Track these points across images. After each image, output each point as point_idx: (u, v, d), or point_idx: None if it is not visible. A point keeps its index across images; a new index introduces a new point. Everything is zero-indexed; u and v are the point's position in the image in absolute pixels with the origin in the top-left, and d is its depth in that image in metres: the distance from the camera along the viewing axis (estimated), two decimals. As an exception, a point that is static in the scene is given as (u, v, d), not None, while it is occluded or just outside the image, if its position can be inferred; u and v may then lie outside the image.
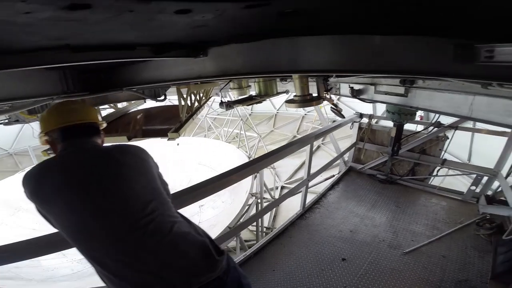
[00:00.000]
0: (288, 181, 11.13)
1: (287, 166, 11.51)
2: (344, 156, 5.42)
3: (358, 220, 4.01)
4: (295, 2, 0.89)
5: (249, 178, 6.40)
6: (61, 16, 0.73)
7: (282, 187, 10.52)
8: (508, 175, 4.03)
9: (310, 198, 4.52)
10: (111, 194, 1.10)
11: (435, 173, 4.80)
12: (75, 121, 1.25)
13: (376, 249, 3.47)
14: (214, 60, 1.63)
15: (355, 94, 3.49)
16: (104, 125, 1.48)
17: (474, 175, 4.35)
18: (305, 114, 14.43)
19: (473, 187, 4.34)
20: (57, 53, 1.29)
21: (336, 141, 5.57)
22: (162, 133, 3.09)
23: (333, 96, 3.33)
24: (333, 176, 5.18)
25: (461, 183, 5.30)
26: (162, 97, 2.82)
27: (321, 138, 11.58)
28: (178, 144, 9.75)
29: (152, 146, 9.54)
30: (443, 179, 5.49)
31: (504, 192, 3.75)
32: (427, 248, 3.49)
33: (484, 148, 4.79)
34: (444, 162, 4.54)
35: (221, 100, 3.47)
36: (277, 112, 15.77)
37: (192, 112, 3.24)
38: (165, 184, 1.37)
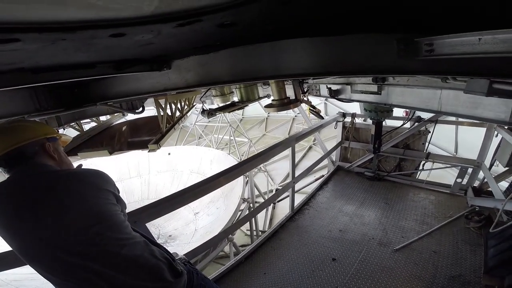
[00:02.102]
0: (281, 183, 11.16)
1: (280, 168, 11.57)
2: (332, 156, 5.46)
3: (348, 219, 4.02)
4: (228, 15, 0.93)
5: (241, 183, 6.43)
6: (-4, 48, 0.77)
7: (276, 190, 10.50)
8: (491, 165, 4.04)
9: (300, 199, 4.55)
10: (48, 221, 1.10)
11: (420, 167, 4.84)
12: (5, 148, 1.19)
13: (366, 247, 3.46)
14: (177, 72, 1.67)
15: (333, 94, 3.55)
16: (65, 137, 1.45)
17: (459, 167, 4.34)
18: (296, 116, 14.50)
19: (459, 179, 4.33)
20: (17, 76, 1.32)
21: (322, 142, 5.62)
22: (146, 145, 3.11)
23: (310, 98, 3.38)
24: (323, 176, 5.21)
25: (451, 175, 5.34)
26: (140, 109, 2.85)
27: (313, 139, 11.66)
28: (169, 154, 9.80)
29: (143, 156, 9.62)
30: (429, 172, 5.53)
31: (489, 183, 3.76)
32: (417, 244, 3.47)
33: (470, 139, 4.83)
34: (428, 156, 4.59)
35: (203, 108, 3.51)
36: (268, 116, 15.83)
37: (174, 122, 3.27)
38: (123, 206, 1.36)
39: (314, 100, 6.26)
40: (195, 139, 15.44)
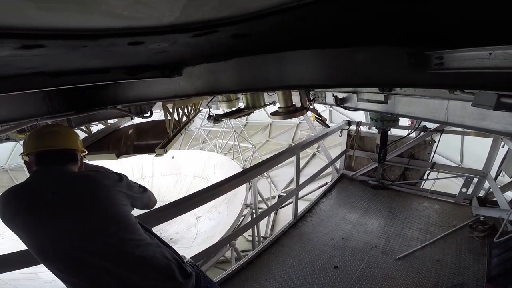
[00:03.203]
0: (284, 190, 11.12)
1: (283, 175, 11.54)
2: (336, 164, 5.45)
3: (351, 227, 4.00)
4: (243, 28, 0.96)
5: (244, 189, 6.43)
6: (21, 54, 0.80)
7: (279, 196, 10.50)
8: (497, 176, 4.02)
9: (303, 206, 4.55)
10: (65, 221, 1.14)
11: (425, 177, 4.81)
12: (47, 147, 1.28)
13: (368, 255, 3.44)
14: (188, 79, 1.71)
15: (339, 102, 3.57)
16: (85, 152, 1.51)
17: (465, 177, 4.34)
18: (300, 122, 14.50)
19: (464, 189, 4.33)
20: (34, 79, 1.36)
21: (327, 150, 5.62)
22: (152, 149, 3.14)
23: (318, 106, 3.41)
24: (326, 184, 5.20)
25: (456, 185, 5.30)
26: (148, 114, 2.89)
27: (317, 146, 11.65)
28: (173, 158, 9.83)
29: (147, 159, 9.67)
30: (434, 182, 5.50)
31: (494, 193, 3.74)
32: (420, 253, 3.45)
33: (476, 148, 4.81)
34: (433, 166, 4.57)
35: (209, 114, 3.55)
36: (272, 122, 15.86)
37: (180, 126, 3.30)
38: (139, 199, 1.41)
39: (319, 107, 6.27)
40: (199, 143, 15.48)
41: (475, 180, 4.28)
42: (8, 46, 0.71)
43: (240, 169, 8.74)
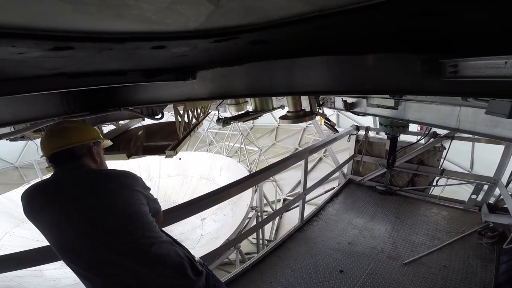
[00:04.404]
0: (290, 193, 11.07)
1: (289, 178, 11.50)
2: (343, 169, 5.43)
3: (357, 232, 3.99)
4: (263, 35, 0.98)
5: (250, 191, 6.44)
6: (50, 55, 0.84)
7: (284, 200, 10.48)
8: (508, 183, 3.95)
9: (310, 210, 4.54)
10: (88, 218, 1.18)
11: (434, 183, 4.77)
12: (57, 148, 1.30)
13: (374, 260, 3.43)
14: (202, 83, 1.74)
15: (349, 107, 3.57)
16: (106, 142, 1.55)
17: (475, 184, 4.31)
18: (306, 127, 14.46)
19: (474, 196, 4.31)
20: (55, 80, 1.41)
21: (334, 154, 5.60)
22: (161, 150, 3.18)
23: (325, 110, 3.41)
24: (333, 188, 5.18)
25: (465, 191, 5.23)
26: (159, 115, 2.93)
27: (323, 150, 11.60)
28: (180, 159, 9.89)
29: (155, 160, 9.76)
30: (443, 188, 5.45)
31: (505, 200, 3.70)
32: (427, 259, 3.44)
33: (486, 155, 4.76)
34: (443, 172, 4.53)
35: (218, 117, 3.59)
36: (278, 125, 15.86)
37: (190, 129, 3.34)
38: (153, 202, 1.43)
39: (327, 111, 6.25)
40: (206, 145, 15.57)
41: (485, 187, 4.24)
42: (41, 47, 0.74)
43: (246, 172, 8.76)
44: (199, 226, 8.22)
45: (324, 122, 3.64)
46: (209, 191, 2.53)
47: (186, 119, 3.20)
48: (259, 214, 6.38)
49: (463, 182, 4.65)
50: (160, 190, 9.71)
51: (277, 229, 8.89)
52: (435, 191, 5.01)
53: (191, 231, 8.16)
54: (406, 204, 4.68)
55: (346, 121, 10.66)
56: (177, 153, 2.87)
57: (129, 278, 1.17)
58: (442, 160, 4.58)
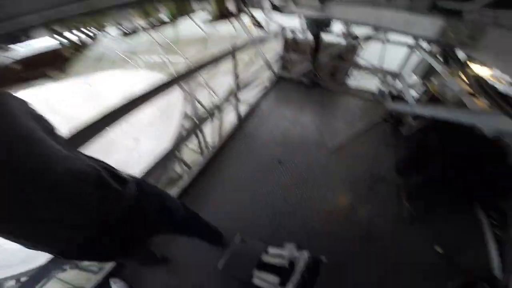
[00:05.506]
0: (224, 97, 10.95)
1: (222, 84, 11.20)
2: (273, 67, 5.59)
3: (289, 123, 4.32)
4: None
5: (182, 101, 6.11)
6: None
7: (220, 105, 10.26)
8: (407, 77, 4.72)
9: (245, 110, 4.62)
10: None
11: (352, 76, 5.46)
12: None
13: (307, 149, 3.80)
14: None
15: (275, 7, 3.32)
16: None
17: (382, 77, 5.06)
18: (236, 34, 13.34)
19: (381, 87, 5.09)
20: None
21: (264, 54, 5.55)
22: (46, 75, 2.51)
23: (252, 10, 3.10)
24: (266, 87, 5.32)
25: (374, 85, 6.04)
26: (24, 41, 2.15)
27: (254, 54, 11.28)
28: (89, 84, 8.36)
29: (54, 91, 7.99)
30: (358, 81, 6.21)
31: (404, 91, 4.32)
32: (347, 144, 3.93)
33: (394, 56, 5.45)
34: (358, 66, 5.11)
35: (123, 31, 2.89)
36: (206, 35, 14.18)
37: (80, 47, 2.64)
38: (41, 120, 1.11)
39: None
40: (120, 65, 13.21)
41: (391, 79, 4.98)
42: None
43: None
44: (134, 148, 7.83)
45: (252, 23, 3.37)
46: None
47: (73, 37, 2.46)
48: (197, 121, 6.25)
49: (375, 75, 5.33)
50: (73, 124, 8.39)
51: (220, 134, 9.01)
52: (352, 84, 5.73)
53: (127, 155, 7.75)
54: (328, 96, 5.19)
55: (275, 26, 10.15)
56: (65, 73, 2.29)
57: (42, 206, 0.97)
58: (359, 57, 5.09)
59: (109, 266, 2.44)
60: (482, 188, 2.75)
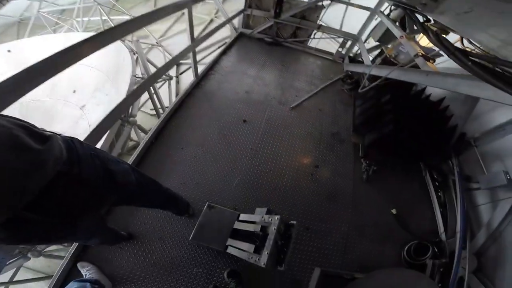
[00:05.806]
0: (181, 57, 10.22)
1: (178, 44, 10.34)
2: (234, 23, 5.31)
3: (251, 80, 4.18)
4: None
5: (130, 61, 5.49)
6: None
7: (178, 65, 9.55)
8: (365, 40, 4.87)
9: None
10: None
11: (312, 36, 5.37)
12: None
13: (269, 107, 3.73)
14: None
15: None
16: None
17: (342, 39, 5.13)
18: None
19: (340, 49, 5.18)
20: None
21: (224, 10, 5.18)
22: None
23: None
24: (225, 43, 4.98)
25: (332, 47, 6.07)
26: None
27: (215, 13, 10.54)
28: (9, 51, 7.04)
29: None
30: (318, 41, 6.25)
31: (362, 53, 4.46)
32: (307, 103, 3.97)
33: (354, 19, 5.45)
34: (319, 27, 5.02)
35: None
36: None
37: None
38: None
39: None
40: (48, 30, 11.13)
41: (349, 42, 5.07)
42: None
43: (121, 45, 7.14)
44: (81, 116, 7.02)
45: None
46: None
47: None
48: (149, 83, 5.71)
49: (333, 36, 5.39)
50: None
51: (177, 95, 8.37)
52: (312, 43, 5.70)
53: (74, 125, 6.93)
54: (289, 54, 5.12)
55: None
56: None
57: None
58: (320, 17, 4.98)
59: (72, 250, 2.18)
60: (430, 151, 2.93)
